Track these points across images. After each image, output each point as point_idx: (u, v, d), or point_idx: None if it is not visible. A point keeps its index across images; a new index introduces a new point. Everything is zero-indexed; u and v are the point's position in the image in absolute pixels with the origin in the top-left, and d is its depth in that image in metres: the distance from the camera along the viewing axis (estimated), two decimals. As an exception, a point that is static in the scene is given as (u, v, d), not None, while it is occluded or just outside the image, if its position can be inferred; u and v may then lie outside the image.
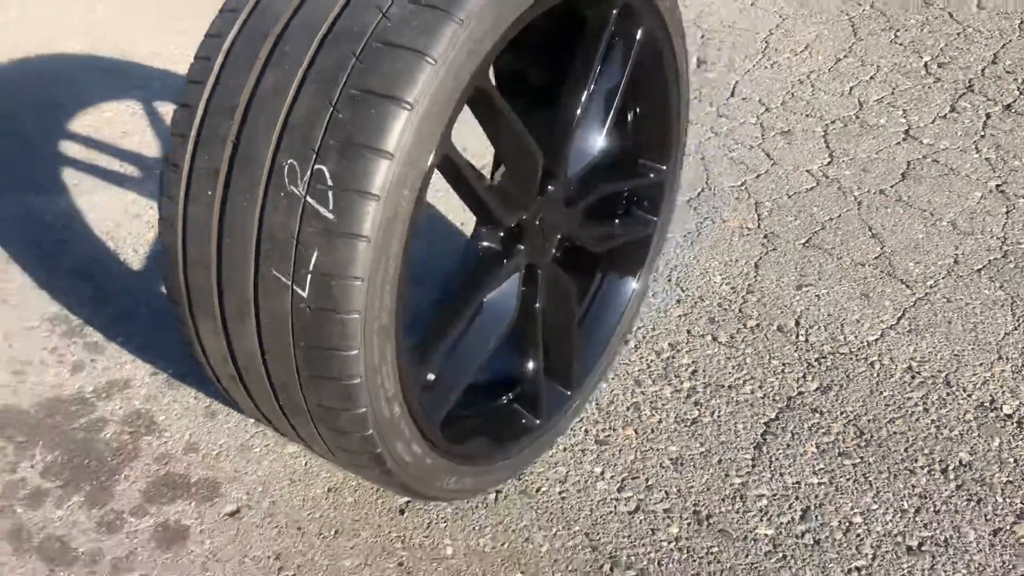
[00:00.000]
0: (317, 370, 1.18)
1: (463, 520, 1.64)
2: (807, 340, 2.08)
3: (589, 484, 1.74)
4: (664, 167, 1.81)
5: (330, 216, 1.09)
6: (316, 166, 1.10)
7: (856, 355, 2.04)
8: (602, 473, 1.76)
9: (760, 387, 1.95)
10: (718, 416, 1.88)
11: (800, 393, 1.94)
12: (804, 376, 1.98)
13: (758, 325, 2.12)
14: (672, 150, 1.81)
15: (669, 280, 2.25)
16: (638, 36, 1.56)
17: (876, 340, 2.09)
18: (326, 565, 1.55)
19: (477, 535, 1.62)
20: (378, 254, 1.13)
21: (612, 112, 1.61)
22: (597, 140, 1.67)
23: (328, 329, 1.14)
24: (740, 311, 2.16)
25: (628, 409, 1.90)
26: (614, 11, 1.46)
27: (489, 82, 1.24)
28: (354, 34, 1.10)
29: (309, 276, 1.12)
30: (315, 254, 1.11)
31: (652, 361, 2.02)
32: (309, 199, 1.10)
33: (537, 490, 1.72)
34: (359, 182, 1.08)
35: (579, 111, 1.48)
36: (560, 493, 1.72)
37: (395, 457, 1.34)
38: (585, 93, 1.48)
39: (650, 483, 1.74)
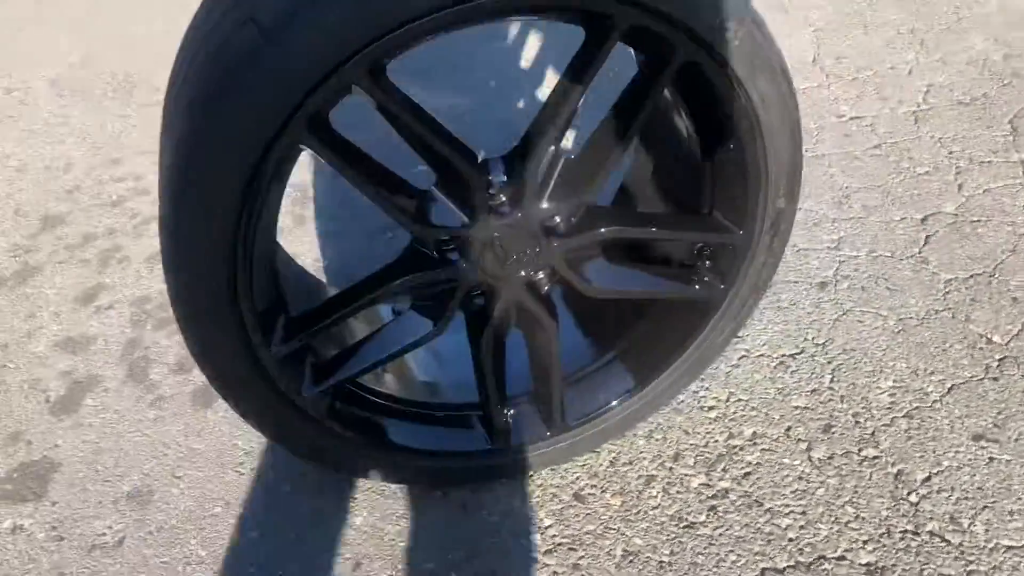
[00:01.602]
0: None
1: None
2: (921, 506, 1.60)
3: (528, 529, 1.61)
4: (740, 231, 1.50)
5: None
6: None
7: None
8: (548, 526, 1.62)
9: (802, 525, 1.57)
10: (722, 534, 1.58)
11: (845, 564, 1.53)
12: (867, 543, 1.54)
13: (873, 459, 1.68)
14: (750, 215, 1.48)
15: (815, 355, 1.85)
16: (660, 50, 1.29)
17: None
18: (266, 480, 1.70)
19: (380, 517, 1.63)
20: (190, 222, 1.20)
21: (626, 138, 1.37)
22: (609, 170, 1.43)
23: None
24: (868, 434, 1.72)
25: (639, 477, 1.68)
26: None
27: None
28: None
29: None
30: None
31: (716, 442, 1.73)
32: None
33: (477, 507, 1.65)
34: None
35: (548, 126, 1.31)
36: (495, 522, 1.63)
37: (256, 414, 1.42)
38: (561, 105, 1.30)
39: (580, 562, 1.55)
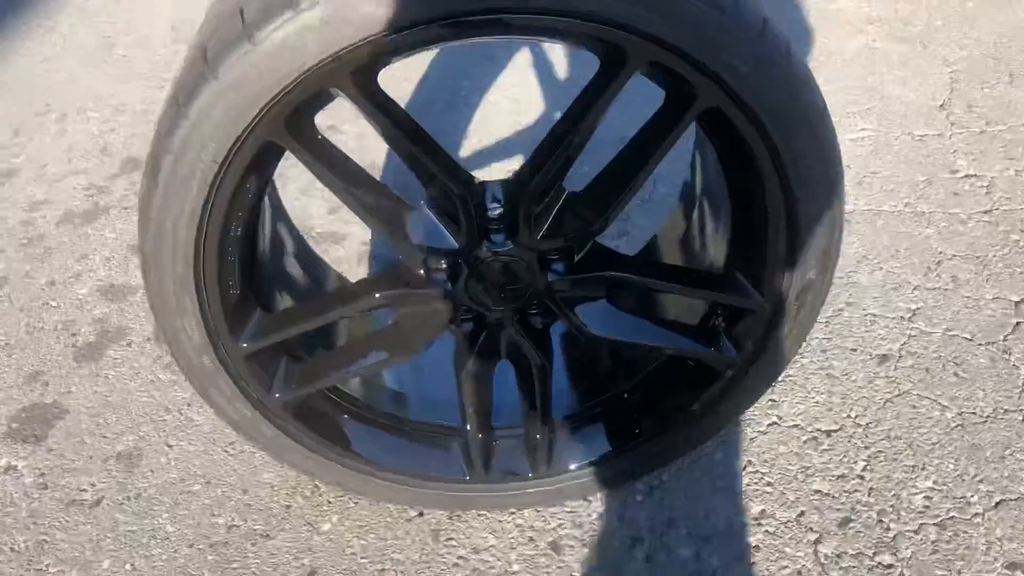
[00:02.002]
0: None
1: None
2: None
3: (494, 573, 1.52)
4: (761, 298, 1.35)
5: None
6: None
7: None
8: (515, 572, 1.52)
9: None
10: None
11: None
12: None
13: (887, 568, 1.49)
14: (774, 282, 1.33)
15: (854, 436, 1.67)
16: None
17: None
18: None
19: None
20: (159, 212, 1.16)
21: (637, 178, 1.24)
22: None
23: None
24: (889, 538, 1.53)
25: (625, 537, 1.56)
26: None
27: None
28: None
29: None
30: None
31: (717, 513, 1.58)
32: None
33: (448, 536, 1.57)
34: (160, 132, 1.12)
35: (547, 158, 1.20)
36: (461, 557, 1.54)
37: (216, 405, 1.38)
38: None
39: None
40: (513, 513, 1.61)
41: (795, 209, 1.25)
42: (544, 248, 1.28)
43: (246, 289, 1.31)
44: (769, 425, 1.74)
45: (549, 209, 1.26)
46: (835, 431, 1.72)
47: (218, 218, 1.19)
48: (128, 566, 1.56)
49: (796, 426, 1.73)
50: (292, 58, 1.06)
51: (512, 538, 1.57)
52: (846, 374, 1.82)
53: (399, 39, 1.05)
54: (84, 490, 1.69)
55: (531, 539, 1.57)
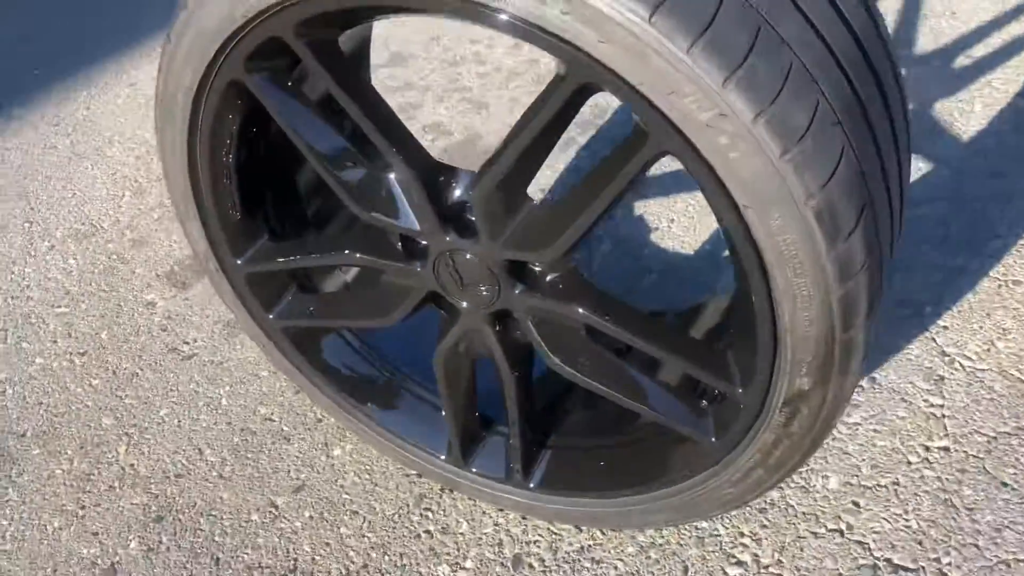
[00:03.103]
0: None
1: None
2: None
3: (452, 561, 1.48)
4: (740, 390, 1.10)
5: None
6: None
7: None
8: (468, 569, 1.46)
9: None
10: None
11: None
12: None
13: None
14: (758, 379, 1.07)
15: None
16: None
17: None
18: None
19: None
20: (162, 123, 1.24)
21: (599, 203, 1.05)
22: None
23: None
24: None
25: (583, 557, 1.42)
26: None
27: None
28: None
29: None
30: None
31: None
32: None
33: (436, 519, 1.55)
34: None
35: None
36: (435, 543, 1.51)
37: (225, 302, 1.47)
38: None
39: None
40: (502, 510, 1.53)
41: (775, 306, 1.00)
42: (506, 256, 1.16)
43: (250, 215, 1.36)
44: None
45: (510, 214, 1.13)
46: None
47: (205, 143, 1.23)
48: (176, 421, 1.75)
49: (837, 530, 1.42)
50: (241, 3, 1.04)
51: (483, 534, 1.50)
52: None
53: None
54: (187, 343, 1.90)
55: (499, 543, 1.49)
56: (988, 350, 1.67)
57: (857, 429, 1.58)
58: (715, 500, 1.25)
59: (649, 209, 2.09)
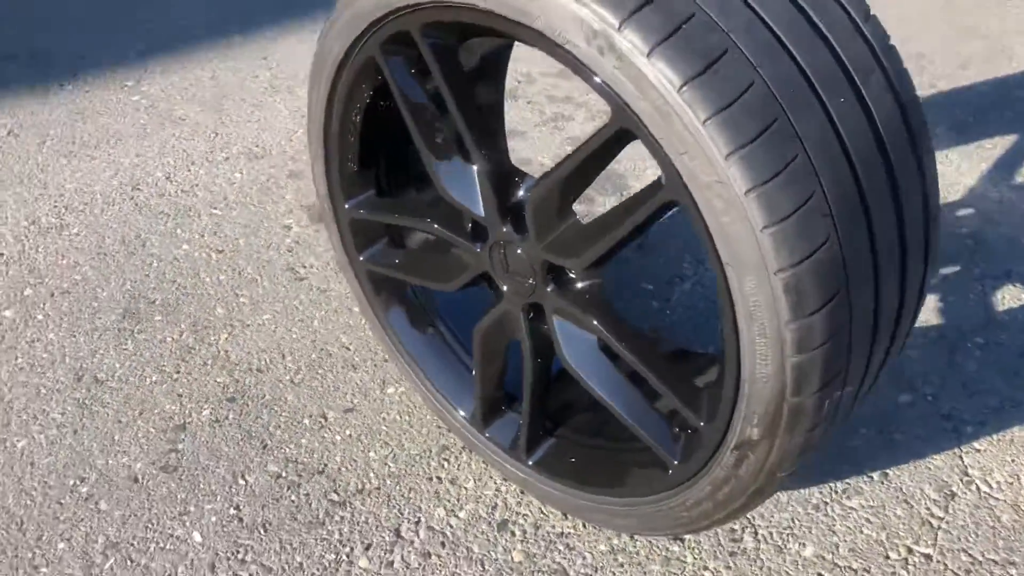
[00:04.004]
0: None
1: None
2: None
3: (435, 519, 1.68)
4: (701, 422, 1.24)
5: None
6: None
7: None
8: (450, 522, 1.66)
9: None
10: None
11: None
12: None
13: None
14: (716, 417, 1.21)
15: None
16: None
17: None
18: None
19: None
20: (314, 79, 1.51)
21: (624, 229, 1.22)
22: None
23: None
24: None
25: (562, 562, 1.59)
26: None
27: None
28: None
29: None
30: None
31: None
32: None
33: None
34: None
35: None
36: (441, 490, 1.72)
37: (332, 237, 1.74)
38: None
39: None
40: (505, 480, 1.72)
41: (740, 354, 1.14)
42: (545, 257, 1.35)
43: (364, 169, 1.61)
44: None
45: (555, 221, 1.32)
46: (834, 644, 1.48)
47: (340, 102, 1.49)
48: (273, 327, 2.04)
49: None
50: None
51: (483, 494, 1.70)
52: None
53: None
54: (304, 267, 2.19)
55: (494, 506, 1.68)
56: (1011, 483, 1.71)
57: (851, 513, 1.66)
58: (671, 519, 1.40)
59: (740, 265, 2.20)
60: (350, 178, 1.61)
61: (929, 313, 2.06)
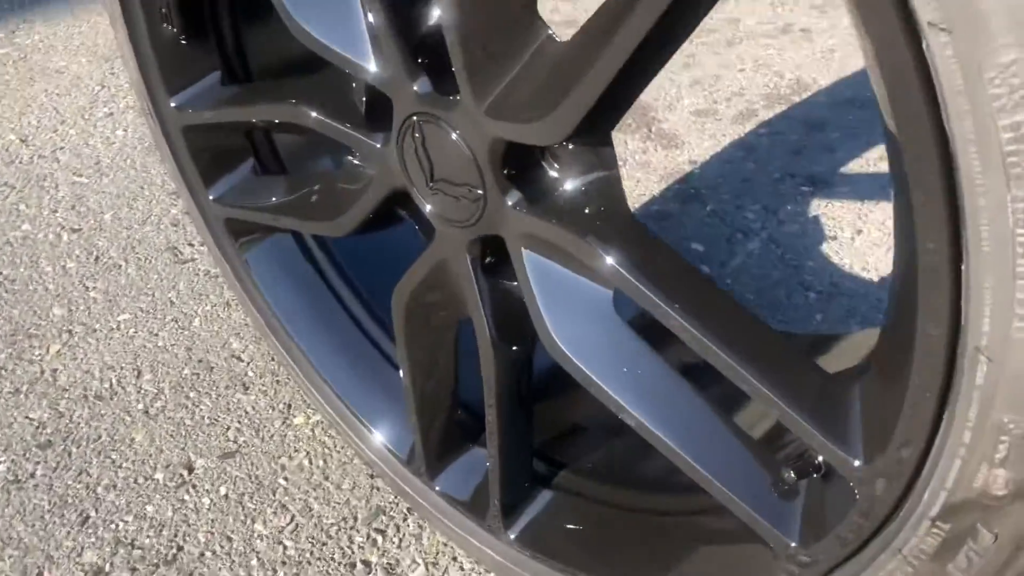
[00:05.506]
0: None
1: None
2: None
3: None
4: (856, 462, 0.54)
5: None
6: None
7: None
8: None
9: None
10: None
11: None
12: None
13: None
14: (890, 434, 0.51)
15: None
16: None
17: None
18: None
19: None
20: None
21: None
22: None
23: None
24: None
25: None
26: None
27: None
28: None
29: None
30: None
31: None
32: None
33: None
34: None
35: None
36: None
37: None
38: None
39: None
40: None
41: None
42: (496, 133, 0.65)
43: (199, 37, 0.92)
44: None
45: (511, 52, 0.62)
46: None
47: None
48: (132, 330, 1.35)
49: None
50: None
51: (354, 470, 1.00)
52: None
53: None
54: (191, 246, 1.51)
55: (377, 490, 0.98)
56: None
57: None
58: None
59: (831, 211, 1.50)
60: (173, 52, 0.93)
61: None
